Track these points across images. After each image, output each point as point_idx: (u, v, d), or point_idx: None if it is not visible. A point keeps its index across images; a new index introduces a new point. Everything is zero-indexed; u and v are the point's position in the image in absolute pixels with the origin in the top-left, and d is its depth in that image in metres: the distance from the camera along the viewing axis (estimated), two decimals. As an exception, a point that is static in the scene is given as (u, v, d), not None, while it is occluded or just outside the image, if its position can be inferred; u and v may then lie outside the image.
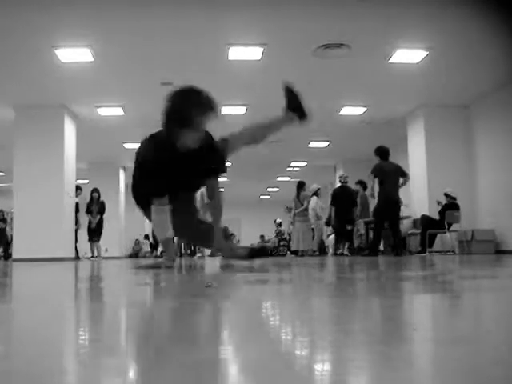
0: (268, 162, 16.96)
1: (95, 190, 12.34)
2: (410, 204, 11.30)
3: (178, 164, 3.27)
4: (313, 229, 13.86)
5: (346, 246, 11.47)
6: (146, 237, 20.15)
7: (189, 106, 3.17)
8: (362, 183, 11.57)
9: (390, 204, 8.58)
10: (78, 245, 11.62)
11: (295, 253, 12.42)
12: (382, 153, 8.83)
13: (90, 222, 12.10)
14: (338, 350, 0.76)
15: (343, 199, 11.28)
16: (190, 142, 3.22)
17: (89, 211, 12.14)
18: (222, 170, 3.55)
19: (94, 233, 12.07)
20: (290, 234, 15.43)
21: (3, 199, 16.83)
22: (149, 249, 20.31)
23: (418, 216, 10.59)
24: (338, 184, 12.14)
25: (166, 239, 3.40)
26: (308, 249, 12.01)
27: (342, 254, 11.26)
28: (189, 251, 15.13)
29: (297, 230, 12.19)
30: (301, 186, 12.16)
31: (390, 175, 8.64)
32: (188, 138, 3.18)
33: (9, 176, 13.78)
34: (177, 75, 9.01)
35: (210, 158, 3.42)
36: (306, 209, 12.04)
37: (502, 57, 8.00)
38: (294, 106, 3.83)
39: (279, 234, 15.97)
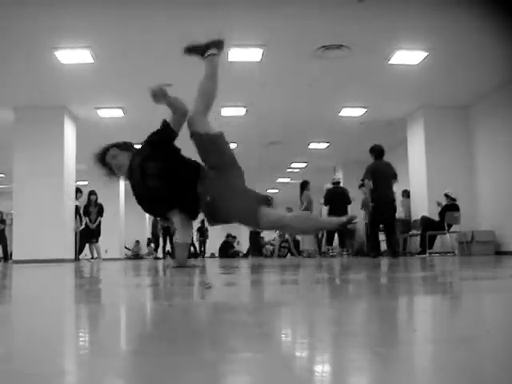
0: (268, 164, 16.96)
1: (93, 193, 12.32)
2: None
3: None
4: None
5: (345, 248, 11.46)
6: (149, 240, 20.14)
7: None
8: (363, 186, 11.54)
9: (383, 204, 8.47)
10: (78, 245, 11.62)
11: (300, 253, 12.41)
12: (376, 152, 8.75)
13: (86, 224, 12.10)
14: (339, 351, 0.77)
15: (337, 199, 11.25)
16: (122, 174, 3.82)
17: (87, 213, 12.13)
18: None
19: (93, 234, 12.06)
20: (290, 235, 15.40)
21: (3, 201, 16.82)
22: (147, 251, 20.38)
23: (418, 217, 10.59)
24: (330, 185, 12.00)
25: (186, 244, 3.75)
26: (309, 249, 11.99)
27: (333, 256, 11.23)
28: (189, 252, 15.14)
29: None
30: (304, 185, 12.10)
31: (383, 175, 8.52)
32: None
33: (9, 177, 13.79)
34: (177, 77, 9.01)
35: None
36: (307, 208, 12.00)
37: (502, 57, 8.00)
38: (204, 50, 4.14)
39: (283, 235, 15.97)
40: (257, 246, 14.88)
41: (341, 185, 12.02)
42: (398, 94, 10.08)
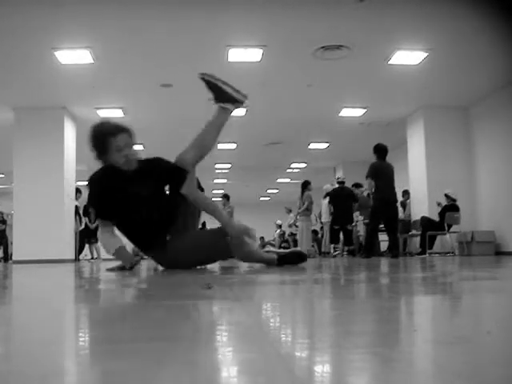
0: (268, 164, 16.97)
1: None
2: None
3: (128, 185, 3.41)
4: (314, 230, 13.81)
5: (346, 248, 11.45)
6: None
7: (101, 135, 3.39)
8: (358, 185, 11.56)
9: (385, 204, 8.33)
10: (78, 246, 11.61)
11: None
12: (380, 151, 8.60)
13: (86, 224, 12.09)
14: (339, 351, 0.77)
15: (343, 199, 11.24)
16: (123, 163, 3.37)
17: (87, 213, 12.13)
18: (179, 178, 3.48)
19: (93, 235, 12.05)
20: (290, 236, 15.41)
21: (3, 201, 16.83)
22: None
23: (418, 217, 10.59)
24: (336, 185, 12.05)
25: (115, 252, 3.51)
26: (308, 249, 11.98)
27: (335, 256, 11.23)
28: None
29: (300, 230, 12.21)
30: (305, 185, 12.09)
31: (385, 174, 8.36)
32: (116, 160, 3.36)
33: (9, 178, 13.79)
34: (177, 77, 9.02)
35: (161, 173, 3.51)
36: (308, 209, 12.01)
37: (502, 58, 8.01)
38: (221, 97, 3.63)
39: (283, 235, 15.98)
40: None
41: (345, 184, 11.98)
42: (398, 94, 10.09)
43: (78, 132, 11.03)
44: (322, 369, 0.67)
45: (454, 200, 9.85)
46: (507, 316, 1.16)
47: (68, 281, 3.29)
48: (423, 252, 9.75)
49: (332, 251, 11.99)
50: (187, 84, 9.34)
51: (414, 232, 10.96)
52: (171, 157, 3.59)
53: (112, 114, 10.83)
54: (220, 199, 13.94)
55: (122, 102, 10.34)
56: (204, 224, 19.62)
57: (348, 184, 11.78)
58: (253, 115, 11.01)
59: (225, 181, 20.09)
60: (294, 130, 12.56)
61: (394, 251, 8.32)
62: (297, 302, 1.56)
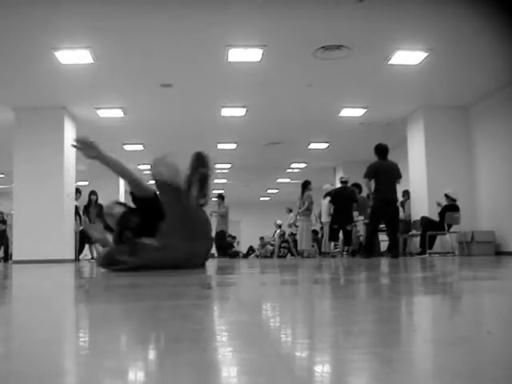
0: (268, 164, 16.97)
1: (93, 193, 12.31)
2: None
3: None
4: (314, 230, 13.80)
5: (346, 248, 11.45)
6: None
7: None
8: (357, 186, 11.54)
9: (385, 204, 8.29)
10: (78, 246, 11.60)
11: (301, 253, 12.40)
12: (380, 151, 8.56)
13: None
14: (339, 351, 0.76)
15: (344, 199, 11.22)
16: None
17: (87, 213, 12.12)
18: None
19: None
20: (290, 236, 15.41)
21: (3, 201, 16.83)
22: None
23: (418, 217, 10.59)
24: (339, 185, 12.07)
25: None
26: (308, 249, 11.98)
27: (335, 255, 11.23)
28: None
29: (300, 230, 12.21)
30: (305, 185, 12.08)
31: (385, 174, 8.29)
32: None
33: (9, 178, 13.79)
34: (177, 77, 9.02)
35: None
36: (308, 209, 12.00)
37: (502, 58, 8.01)
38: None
39: (283, 235, 15.95)
40: (223, 247, 14.75)
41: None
42: (398, 94, 10.09)
43: (78, 132, 11.02)
44: (322, 369, 0.67)
45: (454, 200, 9.84)
46: (507, 316, 1.16)
47: (68, 281, 3.29)
48: (423, 252, 9.75)
49: (332, 249, 11.98)
50: (187, 84, 9.34)
51: (414, 232, 10.96)
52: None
53: (112, 113, 10.84)
54: (215, 199, 13.94)
55: (122, 102, 10.34)
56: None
57: (350, 184, 11.77)
58: (253, 115, 11.01)
59: (225, 181, 20.08)
60: (294, 129, 12.56)
61: (393, 251, 8.29)
62: (297, 302, 1.56)
